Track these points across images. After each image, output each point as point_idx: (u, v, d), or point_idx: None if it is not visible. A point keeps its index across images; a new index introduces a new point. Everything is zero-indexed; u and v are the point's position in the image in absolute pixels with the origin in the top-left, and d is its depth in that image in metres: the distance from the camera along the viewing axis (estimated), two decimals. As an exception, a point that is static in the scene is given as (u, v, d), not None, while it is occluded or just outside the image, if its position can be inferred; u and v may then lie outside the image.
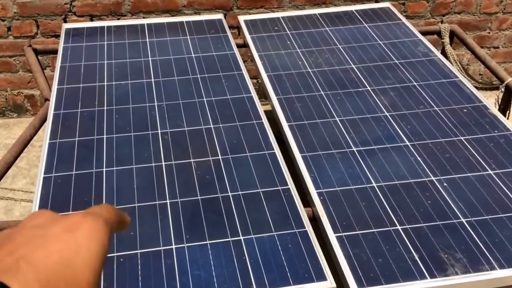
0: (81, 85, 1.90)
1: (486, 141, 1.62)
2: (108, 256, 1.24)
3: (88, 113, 1.76)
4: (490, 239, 1.30)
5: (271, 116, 1.86)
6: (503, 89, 1.96)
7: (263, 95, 2.87)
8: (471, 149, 1.59)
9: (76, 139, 1.63)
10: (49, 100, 1.84)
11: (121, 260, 1.24)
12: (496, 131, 1.66)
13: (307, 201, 1.47)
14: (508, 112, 2.01)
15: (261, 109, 1.79)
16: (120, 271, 1.22)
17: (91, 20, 2.66)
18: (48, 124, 1.69)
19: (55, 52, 2.22)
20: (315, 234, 1.33)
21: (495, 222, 1.34)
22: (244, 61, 2.81)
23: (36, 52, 2.20)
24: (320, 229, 1.38)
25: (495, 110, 1.76)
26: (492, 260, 1.25)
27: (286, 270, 1.22)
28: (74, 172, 1.50)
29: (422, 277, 1.21)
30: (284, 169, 1.52)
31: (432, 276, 1.21)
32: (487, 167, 1.52)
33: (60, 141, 1.62)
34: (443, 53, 2.30)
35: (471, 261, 1.24)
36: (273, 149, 1.60)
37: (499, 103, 2.02)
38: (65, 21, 2.64)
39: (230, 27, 2.72)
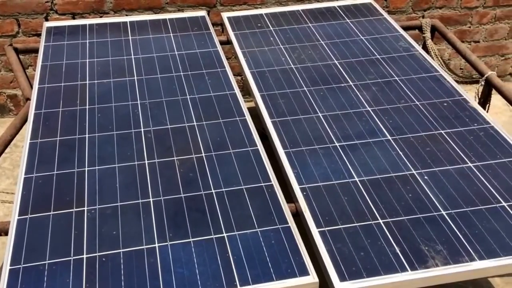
0: (62, 84, 1.88)
1: (466, 134, 1.64)
2: (90, 256, 1.24)
3: (70, 112, 1.74)
4: (470, 231, 1.32)
5: (256, 112, 1.87)
6: (483, 83, 1.98)
7: (248, 92, 2.87)
8: (451, 142, 1.61)
9: (58, 138, 1.62)
10: (30, 100, 1.82)
11: (103, 259, 1.24)
12: (475, 124, 1.69)
13: (290, 197, 1.48)
14: (488, 105, 2.04)
15: (244, 106, 1.79)
16: (103, 271, 1.21)
17: (73, 18, 2.64)
18: (29, 124, 1.68)
19: (36, 51, 2.20)
20: (298, 230, 1.34)
21: (474, 214, 1.36)
22: (229, 58, 2.81)
23: (17, 51, 2.18)
24: (303, 224, 1.39)
25: (475, 104, 1.78)
26: (472, 252, 1.27)
27: (269, 266, 1.23)
28: (55, 172, 1.49)
29: (403, 269, 1.22)
30: (267, 166, 1.53)
31: (413, 268, 1.23)
32: (467, 160, 1.54)
33: (41, 141, 1.61)
34: (425, 47, 2.32)
35: (451, 253, 1.26)
36: (257, 146, 1.61)
37: (479, 96, 2.05)
38: (47, 20, 2.62)
39: (214, 24, 2.71)
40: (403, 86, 1.88)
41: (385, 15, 2.33)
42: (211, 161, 1.54)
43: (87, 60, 2.02)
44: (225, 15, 2.36)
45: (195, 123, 1.70)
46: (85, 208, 1.38)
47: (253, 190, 1.44)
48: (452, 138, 1.63)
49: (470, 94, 1.94)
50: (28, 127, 1.67)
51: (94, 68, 1.97)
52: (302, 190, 1.45)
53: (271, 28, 2.25)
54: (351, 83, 1.91)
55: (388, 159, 1.55)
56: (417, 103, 1.79)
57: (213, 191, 1.44)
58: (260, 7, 2.73)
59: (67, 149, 1.58)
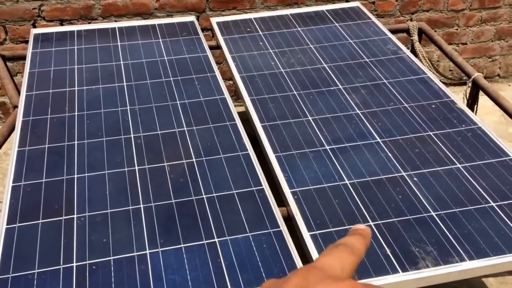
0: (50, 90, 1.87)
1: (454, 135, 1.66)
2: (80, 264, 1.23)
3: (58, 119, 1.73)
4: (460, 231, 1.33)
5: (246, 117, 1.87)
6: (470, 84, 2.00)
7: (239, 97, 2.87)
8: (439, 143, 1.63)
9: (46, 146, 1.61)
10: (18, 107, 1.81)
11: (94, 267, 1.23)
12: (463, 126, 1.70)
13: (282, 201, 1.48)
14: (475, 106, 2.06)
15: (234, 110, 1.79)
16: (93, 279, 1.20)
17: (61, 24, 2.62)
18: (17, 132, 1.66)
19: (24, 58, 2.18)
20: (290, 233, 1.33)
21: (463, 214, 1.37)
22: (220, 63, 2.81)
23: (4, 58, 2.16)
24: (295, 228, 1.39)
25: (462, 105, 1.80)
26: (461, 252, 1.27)
27: (261, 270, 1.23)
28: (44, 180, 1.48)
29: (394, 271, 1.23)
30: (258, 170, 1.53)
31: (404, 270, 1.23)
32: (455, 161, 1.55)
33: (30, 148, 1.60)
34: (413, 50, 2.34)
35: (441, 253, 1.27)
36: (247, 150, 1.61)
37: (467, 98, 2.07)
38: (34, 26, 2.60)
39: (204, 29, 2.71)
40: (391, 88, 1.89)
41: (373, 18, 2.34)
42: (202, 166, 1.54)
43: (76, 67, 2.01)
44: (214, 20, 2.37)
45: (185, 128, 1.70)
46: (75, 216, 1.37)
47: (244, 195, 1.44)
48: (441, 140, 1.64)
49: (459, 95, 1.95)
50: (16, 134, 1.66)
51: (83, 75, 1.96)
52: (293, 194, 1.45)
53: (260, 33, 2.26)
54: (340, 86, 1.92)
55: (378, 161, 1.56)
56: (406, 105, 1.81)
57: (204, 196, 1.44)
58: (249, 12, 2.73)
59: (56, 156, 1.57)
